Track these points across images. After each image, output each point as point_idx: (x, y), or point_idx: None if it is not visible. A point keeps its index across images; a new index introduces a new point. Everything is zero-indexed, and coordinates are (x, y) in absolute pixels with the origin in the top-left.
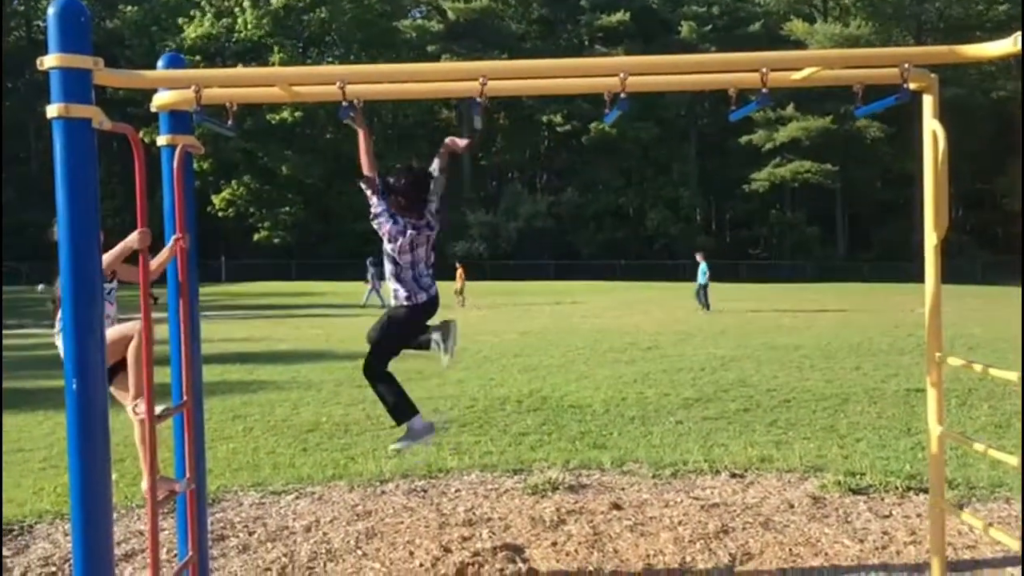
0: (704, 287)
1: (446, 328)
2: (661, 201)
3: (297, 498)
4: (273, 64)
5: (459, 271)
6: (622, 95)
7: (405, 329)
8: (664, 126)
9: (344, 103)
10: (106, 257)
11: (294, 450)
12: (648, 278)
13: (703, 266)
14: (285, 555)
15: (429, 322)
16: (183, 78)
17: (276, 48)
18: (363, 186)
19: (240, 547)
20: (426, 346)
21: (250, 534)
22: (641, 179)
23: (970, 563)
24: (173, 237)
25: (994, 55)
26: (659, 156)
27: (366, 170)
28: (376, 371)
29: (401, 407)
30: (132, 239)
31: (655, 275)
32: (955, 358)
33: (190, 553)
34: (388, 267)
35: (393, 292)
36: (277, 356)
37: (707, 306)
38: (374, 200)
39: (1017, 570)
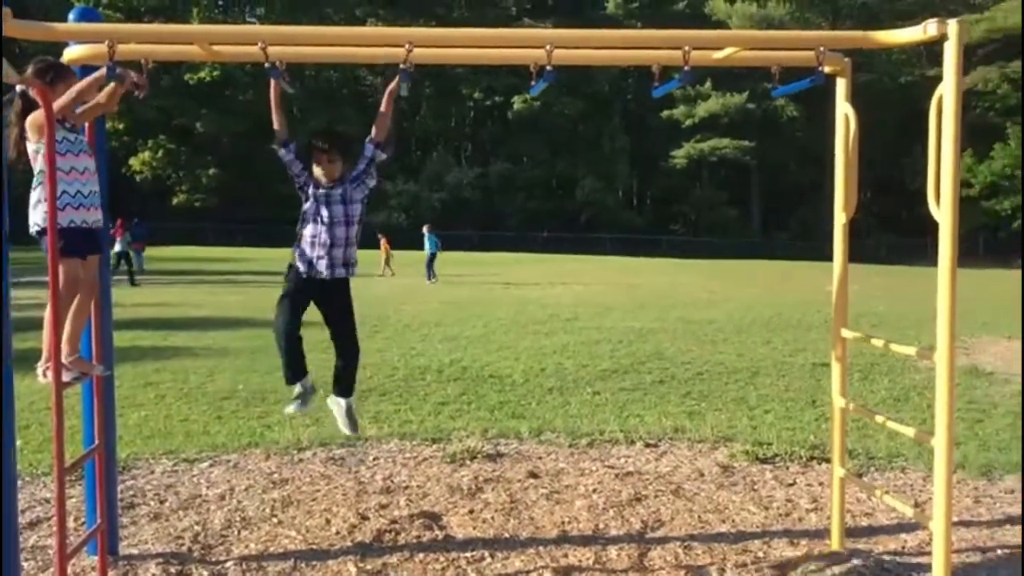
0: (432, 257)
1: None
2: (591, 174)
3: (211, 466)
4: (193, 22)
5: (383, 242)
6: (548, 67)
7: (290, 297)
8: (590, 101)
9: (267, 64)
10: (59, 102)
11: (208, 418)
12: (570, 251)
13: (431, 238)
14: (198, 523)
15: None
16: (96, 32)
17: (196, 8)
18: (279, 148)
19: (151, 515)
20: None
21: (161, 502)
22: (568, 153)
23: (867, 529)
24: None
25: (905, 42)
26: (585, 131)
27: (279, 127)
28: (277, 326)
29: (292, 368)
30: (87, 84)
31: (577, 248)
32: (858, 334)
33: (99, 521)
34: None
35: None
36: (193, 322)
37: (432, 277)
38: (295, 165)
39: (910, 536)
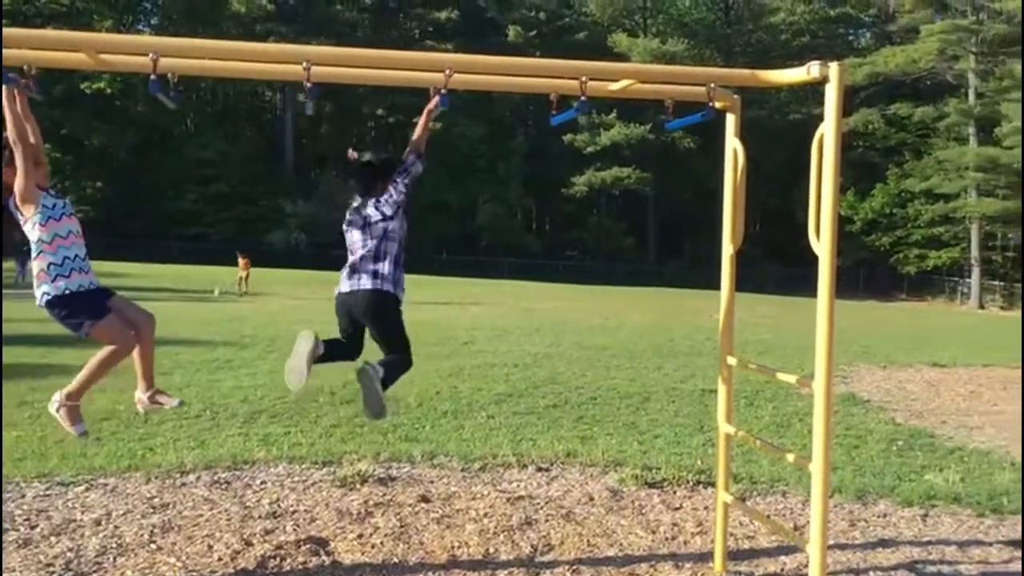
0: None
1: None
2: (490, 198)
3: (87, 490)
4: (100, 30)
5: (242, 261)
6: (443, 91)
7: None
8: (492, 126)
9: (152, 77)
10: (17, 184)
11: (86, 439)
12: (468, 274)
13: None
14: (71, 549)
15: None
16: None
17: (96, 16)
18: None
19: (20, 541)
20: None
21: (32, 527)
22: (467, 176)
23: (749, 552)
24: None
25: (790, 82)
26: (486, 155)
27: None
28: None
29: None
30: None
31: (474, 271)
32: (744, 361)
33: None
34: None
35: None
36: (75, 339)
37: None
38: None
39: (789, 558)
